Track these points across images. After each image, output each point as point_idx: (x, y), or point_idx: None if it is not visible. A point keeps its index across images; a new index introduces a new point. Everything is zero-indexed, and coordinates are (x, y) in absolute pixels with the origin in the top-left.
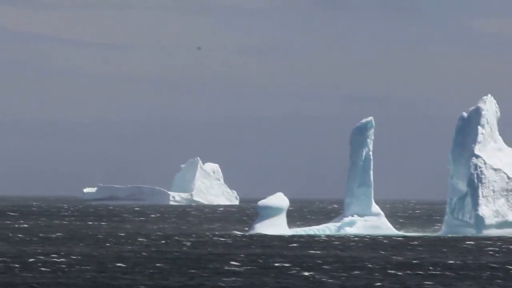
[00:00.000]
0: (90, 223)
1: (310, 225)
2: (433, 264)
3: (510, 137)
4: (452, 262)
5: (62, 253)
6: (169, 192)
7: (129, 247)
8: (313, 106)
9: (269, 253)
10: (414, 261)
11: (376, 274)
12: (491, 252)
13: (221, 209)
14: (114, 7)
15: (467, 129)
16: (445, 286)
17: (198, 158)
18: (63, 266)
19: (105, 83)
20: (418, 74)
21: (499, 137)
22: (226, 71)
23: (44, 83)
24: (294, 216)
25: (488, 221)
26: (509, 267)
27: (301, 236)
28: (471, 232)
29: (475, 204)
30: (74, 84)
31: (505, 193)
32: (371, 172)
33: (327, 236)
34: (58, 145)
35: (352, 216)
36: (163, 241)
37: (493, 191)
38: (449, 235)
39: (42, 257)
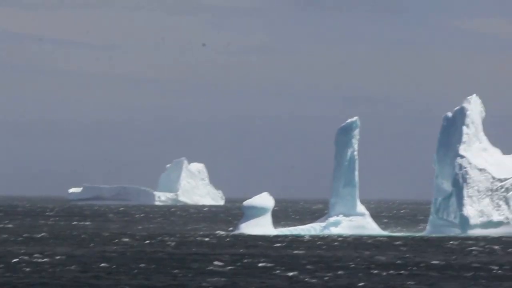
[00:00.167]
0: (75, 223)
1: (295, 225)
2: (416, 264)
3: (495, 137)
4: (436, 262)
5: (46, 253)
6: (154, 192)
7: (114, 247)
8: (299, 106)
9: (253, 253)
10: (398, 261)
11: (360, 274)
12: (475, 252)
13: (206, 209)
14: (101, 6)
15: (452, 129)
16: (428, 286)
17: (184, 158)
18: (47, 266)
19: (91, 84)
20: (403, 74)
21: (484, 137)
22: (211, 71)
23: (30, 83)
24: (279, 216)
25: (473, 221)
26: (492, 267)
27: (285, 236)
28: (456, 232)
29: (460, 204)
30: (60, 84)
31: (490, 193)
32: (356, 172)
33: (312, 236)
34: (43, 145)
35: (337, 216)
36: (147, 241)
37: (478, 191)
38: (434, 235)
39: (26, 257)
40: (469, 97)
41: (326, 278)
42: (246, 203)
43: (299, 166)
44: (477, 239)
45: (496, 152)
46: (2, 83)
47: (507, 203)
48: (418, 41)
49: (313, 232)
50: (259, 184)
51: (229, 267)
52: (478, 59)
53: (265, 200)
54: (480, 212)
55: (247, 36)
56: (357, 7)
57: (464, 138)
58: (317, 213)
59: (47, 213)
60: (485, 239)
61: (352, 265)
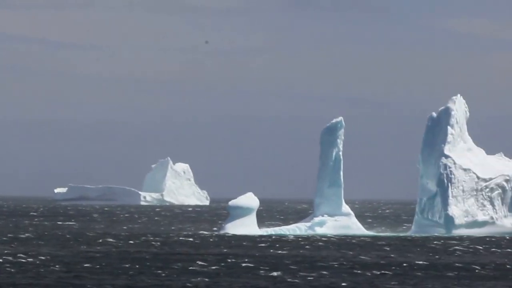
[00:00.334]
0: (60, 223)
1: (280, 225)
2: (400, 264)
3: (480, 137)
4: (420, 262)
5: (30, 254)
6: (140, 192)
7: (98, 247)
8: (284, 107)
9: (237, 253)
10: (382, 261)
11: (343, 274)
12: (459, 252)
13: (190, 209)
14: (78, 6)
15: (436, 129)
16: (412, 286)
17: (169, 158)
18: (31, 266)
19: (76, 84)
20: (388, 74)
21: (469, 137)
22: (195, 72)
23: (14, 82)
24: (264, 216)
25: (457, 221)
26: (475, 267)
27: (270, 236)
28: (440, 232)
29: (445, 204)
30: (45, 84)
31: (475, 193)
32: (341, 172)
33: (296, 236)
34: (29, 145)
35: (322, 216)
36: (131, 241)
37: (463, 191)
38: (419, 235)
39: (10, 258)
40: (453, 97)
41: (310, 278)
42: (231, 203)
43: (284, 166)
44: (461, 239)
45: (480, 152)
46: None
47: (491, 203)
48: (403, 42)
49: (298, 232)
50: (244, 184)
51: (213, 267)
52: (463, 59)
53: (250, 200)
54: (465, 212)
55: (231, 37)
56: (342, 9)
57: (449, 138)
58: (302, 213)
59: (31, 213)
60: (470, 239)
61: (336, 265)
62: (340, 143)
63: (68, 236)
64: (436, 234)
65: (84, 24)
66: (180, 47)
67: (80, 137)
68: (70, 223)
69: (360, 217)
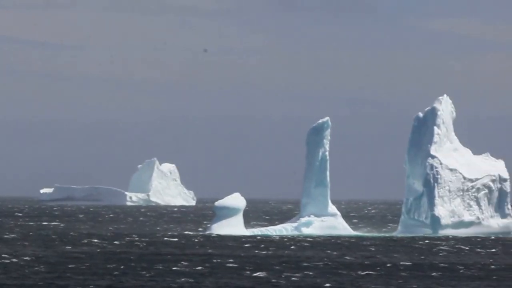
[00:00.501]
0: (45, 223)
1: (266, 226)
2: (385, 264)
3: (466, 138)
4: (404, 262)
5: (15, 254)
6: (126, 193)
7: (82, 248)
8: (270, 107)
9: (222, 253)
10: (367, 262)
11: (328, 274)
12: (444, 253)
13: (176, 209)
14: (63, 7)
15: (423, 129)
16: (396, 286)
17: (155, 159)
18: (16, 266)
19: (62, 84)
20: (374, 74)
21: (455, 137)
22: (181, 72)
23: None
24: (251, 217)
25: (444, 221)
26: (459, 267)
27: (255, 236)
28: (427, 232)
29: (431, 204)
30: (29, 84)
31: (461, 193)
32: (328, 173)
33: (282, 236)
34: (15, 146)
35: (309, 216)
36: (116, 242)
37: (449, 191)
38: (405, 235)
39: None
40: (440, 98)
41: (294, 278)
42: (218, 203)
43: (270, 166)
44: (447, 239)
45: (467, 152)
46: None
47: (478, 203)
48: (389, 42)
49: (284, 233)
50: (231, 185)
51: (197, 268)
52: (449, 59)
53: (236, 200)
54: (451, 212)
55: (221, 38)
56: (327, 9)
57: (435, 138)
58: (288, 213)
59: (17, 214)
60: (455, 239)
61: (320, 266)
62: (326, 143)
63: (53, 236)
64: (422, 234)
65: (69, 23)
66: (168, 47)
67: (66, 138)
68: (55, 223)
69: (346, 217)
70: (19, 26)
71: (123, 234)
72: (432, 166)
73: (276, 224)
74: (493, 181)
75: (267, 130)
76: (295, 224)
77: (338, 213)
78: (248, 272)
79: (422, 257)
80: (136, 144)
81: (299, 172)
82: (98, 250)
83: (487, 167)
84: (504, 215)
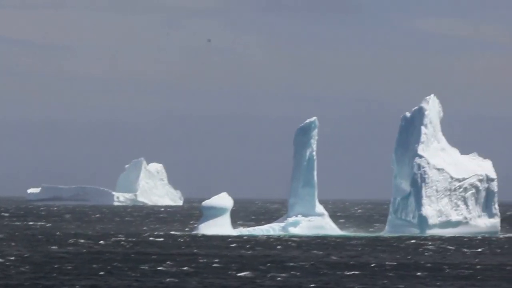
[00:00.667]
0: (30, 223)
1: (253, 226)
2: (370, 264)
3: (453, 137)
4: (390, 262)
5: (0, 254)
6: (113, 193)
7: (68, 248)
8: (258, 106)
9: (208, 253)
10: (352, 262)
11: (313, 274)
12: (430, 252)
13: (162, 209)
14: (51, 6)
15: (410, 129)
16: (380, 286)
17: (142, 159)
18: (1, 267)
19: (48, 83)
20: (361, 74)
21: (442, 137)
22: (168, 71)
23: None
24: (239, 216)
25: (431, 221)
26: (445, 267)
27: (241, 236)
28: (414, 232)
29: (419, 204)
30: (16, 84)
31: (448, 193)
32: (315, 173)
33: (269, 236)
34: (1, 146)
35: (296, 216)
36: (102, 242)
37: (436, 191)
38: (392, 235)
39: None
40: (427, 97)
41: (279, 278)
42: (205, 203)
43: (257, 166)
44: (434, 239)
45: (454, 152)
46: None
47: (465, 203)
48: (376, 41)
49: (272, 233)
50: (218, 184)
51: (183, 268)
52: (436, 59)
53: (223, 200)
54: (439, 212)
55: (207, 37)
56: (313, 8)
57: (423, 138)
58: (276, 213)
59: (3, 214)
60: (442, 239)
61: (306, 266)
62: (314, 143)
63: (39, 236)
64: (409, 234)
65: (55, 23)
66: (155, 46)
67: (54, 137)
68: (41, 223)
69: (333, 217)
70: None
71: (109, 234)
72: (419, 166)
73: (262, 224)
74: (480, 180)
75: (255, 130)
76: (282, 224)
77: (326, 213)
78: (233, 272)
79: (409, 257)
80: (124, 144)
81: (287, 173)
82: (84, 250)
83: (474, 167)
84: (491, 215)
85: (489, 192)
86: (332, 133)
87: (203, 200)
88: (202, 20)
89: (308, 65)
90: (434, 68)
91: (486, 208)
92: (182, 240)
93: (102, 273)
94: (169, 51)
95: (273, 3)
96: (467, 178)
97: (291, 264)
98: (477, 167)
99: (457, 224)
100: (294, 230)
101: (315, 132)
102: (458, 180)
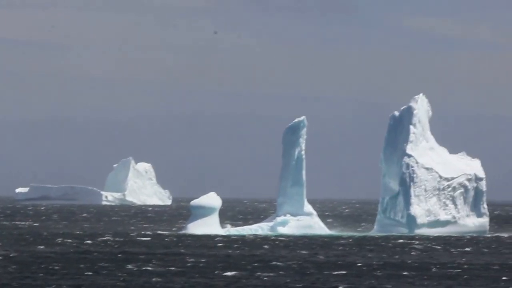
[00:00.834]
0: (18, 223)
1: (241, 225)
2: (357, 264)
3: (442, 136)
4: (377, 261)
5: None
6: (101, 192)
7: (55, 247)
8: (246, 105)
9: (195, 253)
10: (339, 261)
11: (300, 274)
12: (418, 252)
13: (150, 208)
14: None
15: (399, 128)
16: (368, 285)
17: (131, 158)
18: None
19: (36, 83)
20: (349, 72)
21: (431, 136)
22: (156, 71)
23: None
24: (227, 216)
25: (420, 220)
26: (432, 266)
27: (229, 236)
28: (403, 231)
29: (407, 203)
30: (1, 83)
31: (437, 192)
32: (304, 172)
33: (255, 235)
34: None
35: (285, 215)
36: (88, 241)
37: (425, 190)
38: (381, 234)
39: None
40: (416, 96)
41: (266, 278)
42: (193, 202)
43: (245, 165)
44: (421, 238)
45: (443, 151)
46: None
47: (454, 202)
48: (365, 40)
49: (260, 232)
50: (207, 184)
51: (170, 268)
52: (425, 58)
53: (212, 199)
54: (427, 212)
55: (194, 35)
56: (305, 7)
57: (411, 137)
58: (263, 212)
59: None
60: (429, 238)
61: (293, 265)
62: (302, 142)
63: (26, 236)
64: (398, 234)
65: (43, 22)
66: (142, 46)
67: (42, 137)
68: (29, 222)
69: (320, 216)
70: None
71: (97, 233)
72: (408, 165)
73: (250, 224)
74: (469, 180)
75: (243, 129)
76: (271, 224)
77: (314, 212)
78: (220, 272)
79: (396, 256)
80: (112, 143)
81: (276, 172)
82: (71, 250)
83: (463, 166)
84: (480, 214)
85: (478, 192)
86: (321, 133)
87: (192, 200)
88: (192, 20)
89: (297, 64)
90: (423, 67)
91: (475, 207)
92: (169, 239)
93: (89, 273)
94: (159, 51)
95: (264, 2)
96: (455, 178)
97: (278, 263)
98: (466, 167)
99: (445, 223)
100: (282, 230)
101: (303, 131)
102: (447, 179)
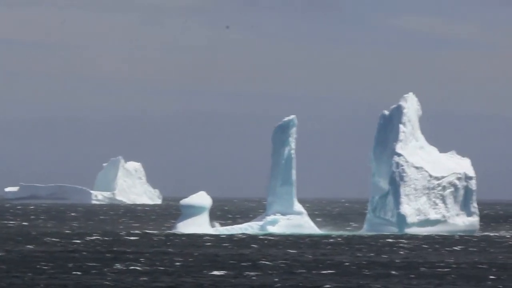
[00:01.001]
0: (6, 222)
1: (229, 224)
2: (345, 263)
3: (432, 135)
4: (366, 261)
5: None
6: (91, 191)
7: (42, 247)
8: (236, 104)
9: (183, 252)
10: (328, 261)
11: (287, 273)
12: (406, 251)
13: (139, 208)
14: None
15: (388, 127)
16: (356, 284)
17: (120, 157)
18: None
19: (25, 82)
20: (339, 72)
21: (421, 135)
22: (146, 70)
23: None
24: (216, 215)
25: (409, 220)
26: (420, 265)
27: (218, 235)
28: (393, 230)
29: (397, 203)
30: None
31: (427, 191)
32: (293, 171)
33: (243, 234)
34: None
35: (275, 214)
36: (77, 241)
37: (415, 189)
38: (371, 234)
39: None
40: (405, 95)
41: (254, 277)
42: (183, 202)
43: (235, 164)
44: (410, 237)
45: (432, 150)
46: None
47: (444, 201)
48: (354, 39)
49: (250, 231)
50: (197, 183)
51: (157, 267)
52: (415, 57)
53: (202, 198)
54: (417, 211)
55: (184, 34)
56: (293, 5)
57: (401, 136)
58: (253, 211)
59: None
60: (418, 237)
61: (282, 264)
62: (292, 141)
63: (14, 235)
64: (388, 233)
65: (30, 20)
66: (132, 45)
67: (32, 135)
68: (17, 222)
69: (310, 215)
70: None
71: (85, 233)
72: (397, 164)
73: (239, 223)
74: (459, 179)
75: (233, 128)
76: (260, 223)
77: (304, 211)
78: (207, 271)
79: (384, 255)
80: (101, 142)
81: (265, 171)
82: (59, 249)
83: (453, 165)
84: (469, 213)
85: (468, 191)
86: (311, 131)
87: (182, 199)
88: (180, 19)
89: (286, 63)
90: (412, 66)
91: (465, 206)
92: (157, 238)
93: (77, 272)
94: (146, 50)
95: (250, 1)
96: (445, 177)
97: (267, 262)
98: (456, 165)
99: (435, 222)
100: (272, 229)
101: (293, 130)
102: (437, 178)
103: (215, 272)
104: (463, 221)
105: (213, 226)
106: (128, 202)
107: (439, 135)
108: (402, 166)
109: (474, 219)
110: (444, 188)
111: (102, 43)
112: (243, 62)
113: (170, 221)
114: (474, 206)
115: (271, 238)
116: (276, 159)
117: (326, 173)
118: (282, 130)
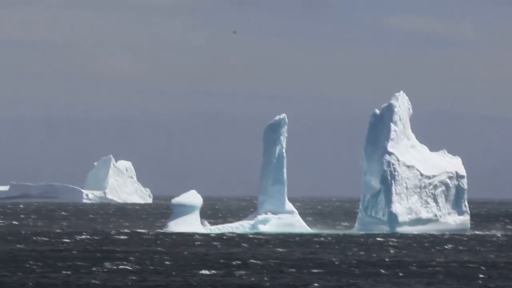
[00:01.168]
0: None
1: (220, 223)
2: (335, 262)
3: (423, 134)
4: (356, 259)
5: None
6: (82, 190)
7: (31, 246)
8: (227, 103)
9: (172, 251)
10: (318, 260)
11: (275, 272)
12: (397, 250)
13: (129, 207)
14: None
15: (379, 125)
16: (346, 283)
17: (111, 156)
18: None
19: (18, 81)
20: (331, 71)
21: (412, 134)
22: (138, 70)
23: None
24: (206, 214)
25: (401, 218)
26: (409, 264)
27: (210, 234)
28: (384, 229)
29: (388, 201)
30: None
31: (418, 190)
32: (285, 170)
33: (234, 233)
34: None
35: (266, 213)
36: (66, 240)
37: (406, 188)
38: (362, 232)
39: None
40: (396, 94)
41: (244, 276)
42: (174, 200)
43: (226, 163)
44: (400, 236)
45: (424, 149)
46: None
47: (435, 200)
48: (346, 38)
49: (241, 230)
50: (187, 182)
51: (147, 266)
52: (405, 56)
53: (193, 197)
54: (409, 210)
55: (176, 34)
56: (285, 4)
57: (392, 135)
58: (243, 211)
59: None
60: (409, 236)
61: (271, 263)
62: (283, 140)
63: (4, 234)
64: (379, 232)
65: (31, 21)
66: (124, 44)
67: (22, 134)
68: (7, 221)
69: (301, 214)
70: None
71: (75, 232)
72: (389, 163)
73: (230, 222)
74: (450, 178)
75: (223, 127)
76: (251, 222)
77: (295, 210)
78: (197, 270)
79: (374, 254)
80: (92, 141)
81: (256, 170)
82: (49, 248)
83: (444, 164)
84: (461, 212)
85: (459, 189)
86: (302, 130)
87: (172, 198)
88: (169, 18)
89: (276, 62)
90: (403, 65)
91: (456, 205)
92: (147, 237)
93: (64, 271)
94: (138, 49)
95: (241, 1)
96: (437, 175)
97: (257, 261)
98: (447, 164)
99: (427, 221)
100: (263, 228)
101: (284, 129)
102: (428, 177)
103: (205, 271)
104: (454, 220)
105: (203, 225)
106: (119, 201)
107: (430, 134)
108: (394, 164)
109: (465, 218)
110: (435, 187)
111: (94, 44)
112: (232, 62)
113: (160, 220)
114: (465, 205)
115: (261, 237)
116: (267, 158)
117: (317, 171)
118: (273, 129)
